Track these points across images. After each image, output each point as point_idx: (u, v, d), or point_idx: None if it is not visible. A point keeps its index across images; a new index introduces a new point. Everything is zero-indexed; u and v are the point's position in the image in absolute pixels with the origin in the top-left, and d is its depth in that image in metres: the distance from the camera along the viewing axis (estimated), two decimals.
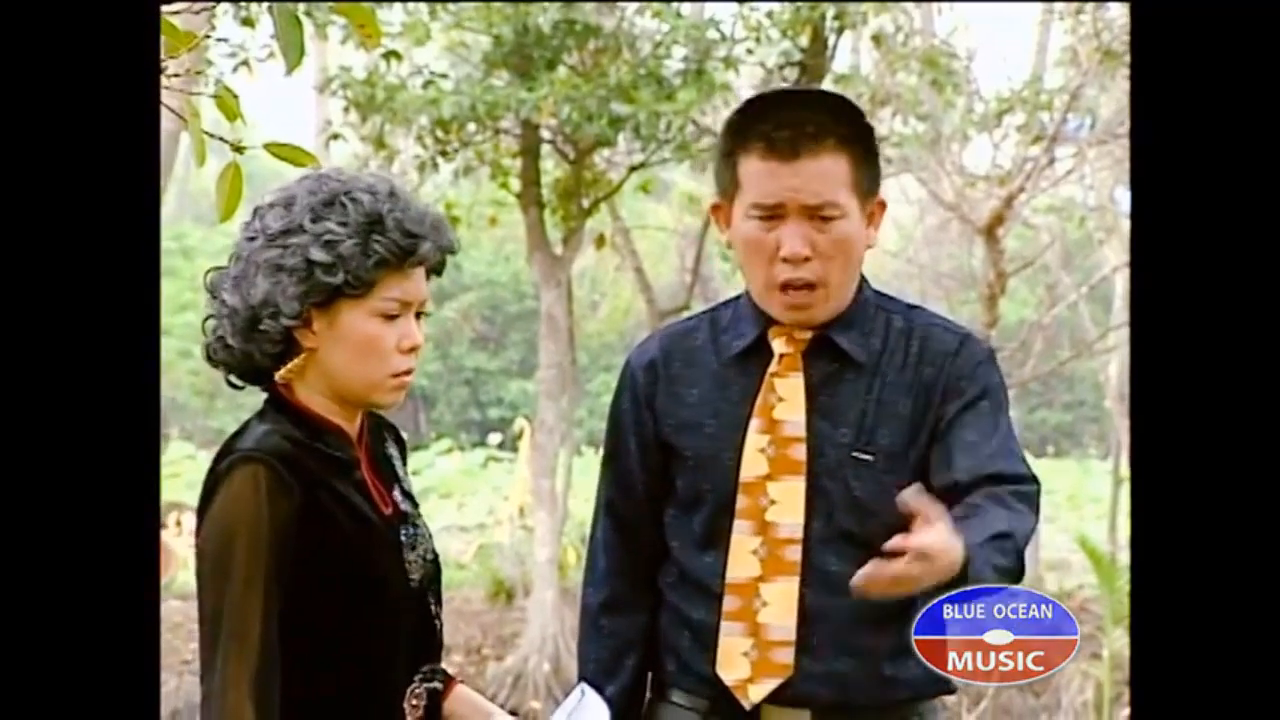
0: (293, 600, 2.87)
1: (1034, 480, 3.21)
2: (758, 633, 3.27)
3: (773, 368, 3.32)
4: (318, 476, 2.92)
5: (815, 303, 3.30)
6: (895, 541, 2.86)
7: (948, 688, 3.37)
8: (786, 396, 3.30)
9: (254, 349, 2.98)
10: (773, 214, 3.28)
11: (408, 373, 3.03)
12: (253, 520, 2.86)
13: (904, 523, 3.18)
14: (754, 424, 3.29)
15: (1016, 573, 3.10)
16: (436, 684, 3.09)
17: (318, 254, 2.94)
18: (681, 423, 3.36)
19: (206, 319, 3.05)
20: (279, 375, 3.01)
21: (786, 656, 3.26)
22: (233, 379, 3.07)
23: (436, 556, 3.12)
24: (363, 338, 2.99)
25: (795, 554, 3.26)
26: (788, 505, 3.26)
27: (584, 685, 3.30)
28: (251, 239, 2.98)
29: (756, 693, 3.27)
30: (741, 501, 3.28)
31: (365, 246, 2.95)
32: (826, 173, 3.26)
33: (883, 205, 3.35)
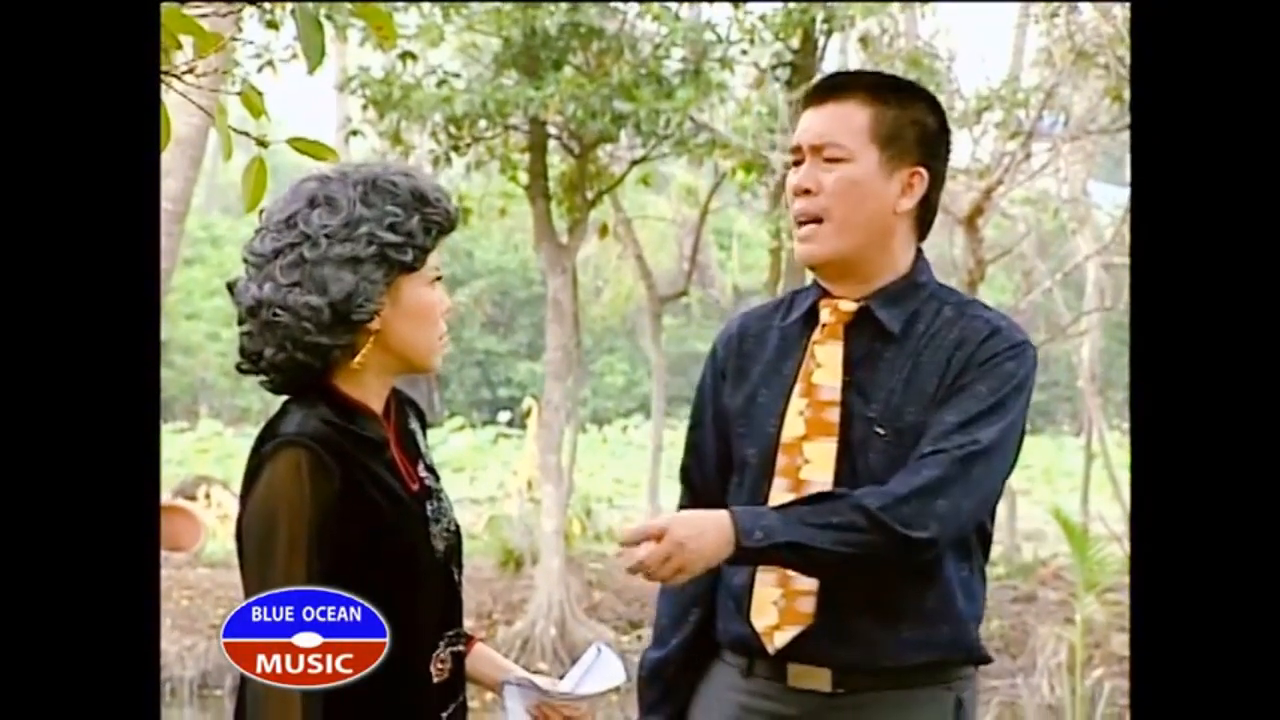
0: (330, 577, 2.87)
1: (974, 441, 3.16)
2: (786, 583, 3.26)
3: (815, 336, 3.32)
4: (354, 458, 2.92)
5: (818, 236, 3.29)
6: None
7: (978, 655, 3.32)
8: (824, 363, 3.29)
9: (335, 343, 2.95)
10: (797, 158, 3.33)
11: (444, 333, 3.06)
12: (296, 503, 2.85)
13: None
14: (796, 388, 3.29)
15: (875, 529, 3.06)
16: (460, 647, 3.09)
17: (389, 236, 2.93)
18: (742, 395, 3.37)
19: (252, 332, 2.98)
20: (356, 363, 2.99)
21: (809, 605, 3.24)
22: (266, 381, 3.03)
23: (458, 528, 3.12)
24: (424, 306, 3.00)
25: None
26: (819, 464, 3.25)
27: (600, 644, 3.31)
28: (298, 243, 2.93)
29: (781, 638, 3.25)
30: (781, 461, 3.27)
31: (423, 221, 2.96)
32: (841, 116, 3.28)
33: (920, 175, 3.31)
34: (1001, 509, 18.80)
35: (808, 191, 3.29)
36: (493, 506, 20.82)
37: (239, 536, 2.93)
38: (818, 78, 3.40)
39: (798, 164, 3.33)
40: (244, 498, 2.92)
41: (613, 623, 15.08)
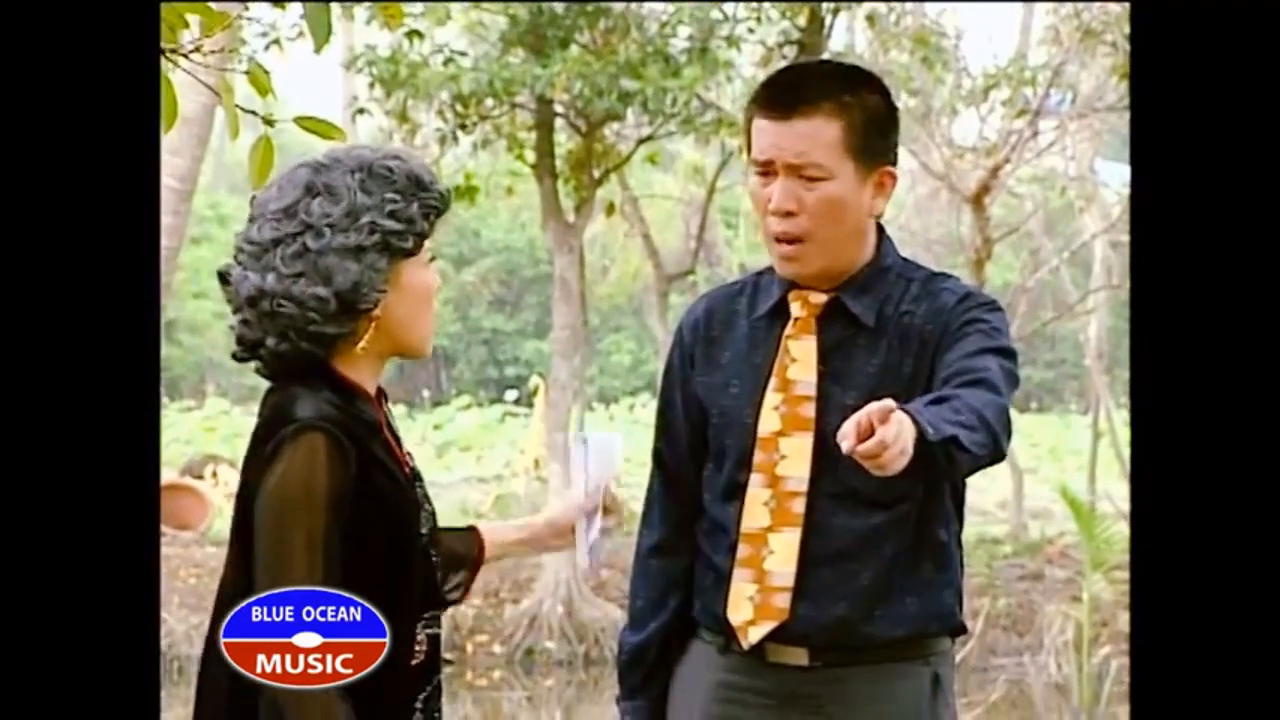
0: (343, 560, 2.88)
1: (1009, 369, 3.15)
2: (762, 579, 3.27)
3: (788, 330, 3.31)
4: (361, 441, 2.92)
5: (803, 256, 3.27)
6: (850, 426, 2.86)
7: (953, 625, 3.35)
8: (799, 357, 3.29)
9: (339, 331, 2.95)
10: (766, 170, 3.27)
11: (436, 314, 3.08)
12: (317, 487, 2.85)
13: (903, 480, 3.19)
14: (771, 383, 3.29)
15: (986, 429, 2.99)
16: (436, 629, 3.09)
17: (390, 224, 2.93)
18: (712, 382, 3.36)
19: (250, 321, 2.97)
20: (360, 347, 2.98)
21: (784, 602, 3.26)
22: (264, 368, 3.03)
23: (434, 508, 3.13)
24: (423, 288, 3.01)
25: (800, 506, 3.25)
26: (795, 460, 3.26)
27: (582, 434, 3.35)
28: (300, 233, 2.93)
29: (755, 634, 3.28)
30: (758, 456, 3.28)
31: (421, 205, 2.96)
32: (815, 134, 3.24)
33: (892, 176, 3.30)
34: (1008, 487, 18.76)
35: (790, 213, 3.26)
36: (499, 485, 20.84)
37: (247, 517, 2.92)
38: (768, 80, 3.33)
39: (764, 174, 3.28)
40: (257, 480, 2.90)
41: (620, 601, 15.08)
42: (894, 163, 3.33)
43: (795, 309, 3.31)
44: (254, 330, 2.96)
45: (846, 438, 2.86)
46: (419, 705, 3.03)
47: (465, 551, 3.26)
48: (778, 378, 3.29)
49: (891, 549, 3.27)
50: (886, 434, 2.83)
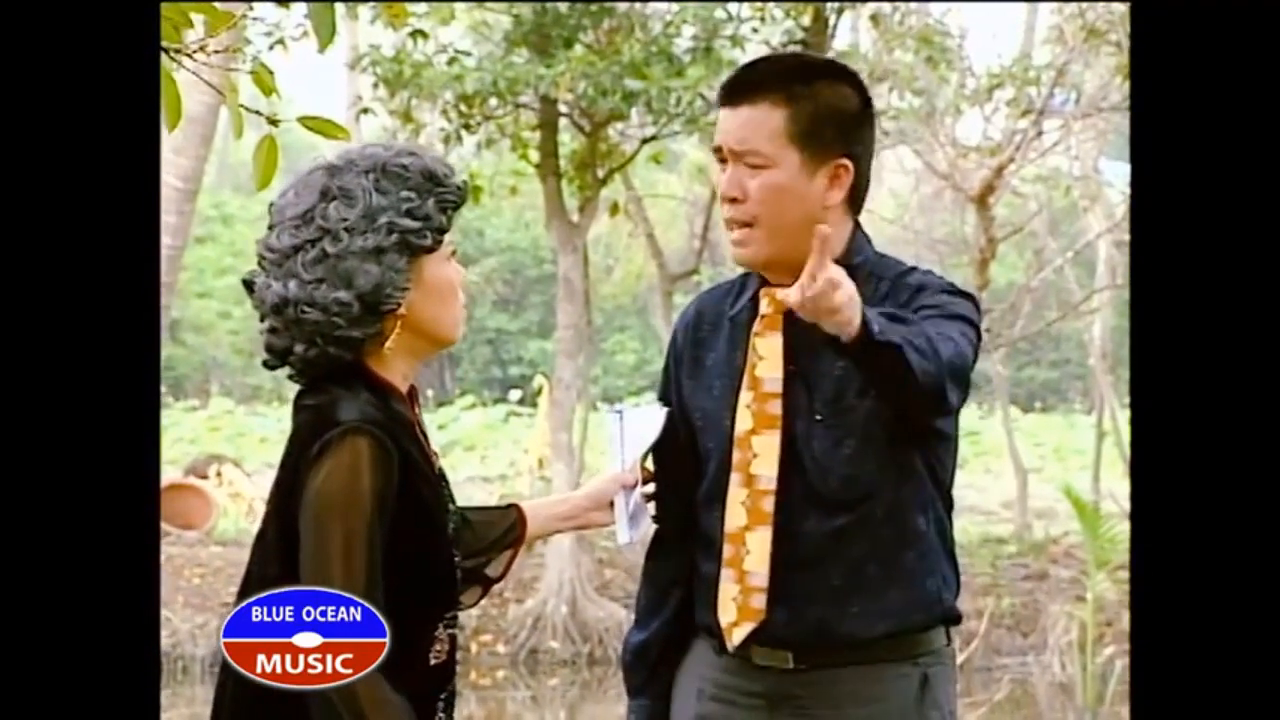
0: (384, 562, 2.89)
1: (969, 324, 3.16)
2: (743, 579, 3.28)
3: (755, 328, 3.31)
4: (400, 442, 2.94)
5: (749, 241, 3.27)
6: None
7: (939, 614, 3.33)
8: (766, 355, 3.29)
9: (365, 333, 2.96)
10: (721, 157, 3.30)
11: (465, 304, 3.09)
12: (363, 490, 2.86)
13: (860, 479, 3.20)
14: (744, 382, 3.30)
15: (934, 359, 3.01)
16: (455, 630, 3.10)
17: (408, 223, 2.94)
18: (696, 385, 3.37)
19: (278, 329, 2.97)
20: (387, 347, 2.99)
21: (761, 603, 3.27)
22: (296, 375, 3.03)
23: (457, 507, 3.14)
24: (445, 282, 3.02)
25: (770, 505, 3.26)
26: (765, 459, 3.26)
27: (617, 408, 3.37)
28: (319, 239, 2.93)
29: (738, 635, 3.29)
30: (735, 456, 3.29)
31: (438, 201, 2.97)
32: (757, 121, 3.25)
33: (845, 168, 3.28)
34: (1012, 486, 18.72)
35: (735, 199, 3.27)
36: (504, 485, 20.83)
37: (283, 518, 2.92)
38: (730, 74, 3.37)
39: (720, 161, 3.30)
40: (300, 481, 2.91)
41: (623, 601, 15.09)
42: (857, 156, 3.30)
43: (763, 306, 3.31)
44: (281, 338, 2.97)
45: (791, 293, 2.90)
46: (440, 704, 3.05)
47: (507, 529, 3.30)
48: (748, 376, 3.30)
49: (860, 549, 3.26)
50: (834, 275, 2.85)
